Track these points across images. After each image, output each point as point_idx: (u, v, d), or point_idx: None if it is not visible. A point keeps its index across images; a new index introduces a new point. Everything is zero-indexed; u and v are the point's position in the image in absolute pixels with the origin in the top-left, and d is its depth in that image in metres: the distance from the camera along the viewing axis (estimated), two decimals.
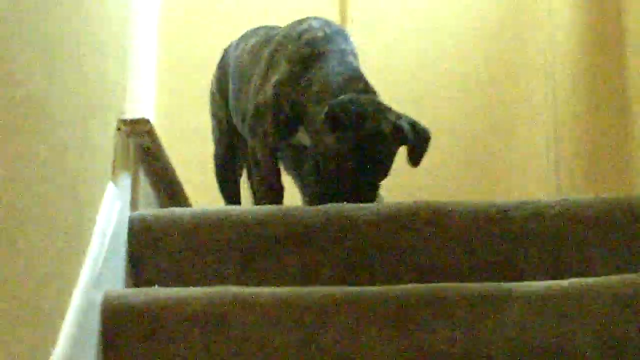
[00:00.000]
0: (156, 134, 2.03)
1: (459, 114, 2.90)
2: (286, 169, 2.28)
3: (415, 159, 1.94)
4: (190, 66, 2.91)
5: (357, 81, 1.93)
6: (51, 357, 1.41)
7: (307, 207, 1.93)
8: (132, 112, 2.32)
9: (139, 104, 2.62)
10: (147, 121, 1.95)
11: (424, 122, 2.00)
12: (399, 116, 1.95)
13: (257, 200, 2.16)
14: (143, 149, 2.11)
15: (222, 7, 3.04)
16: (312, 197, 2.08)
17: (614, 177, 2.43)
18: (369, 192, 1.95)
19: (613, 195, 2.04)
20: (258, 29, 2.27)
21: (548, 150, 2.82)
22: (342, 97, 1.88)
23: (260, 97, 2.02)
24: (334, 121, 1.87)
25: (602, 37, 2.62)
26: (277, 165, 2.14)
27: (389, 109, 1.96)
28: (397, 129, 1.92)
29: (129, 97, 2.32)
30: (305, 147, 2.09)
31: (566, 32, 2.87)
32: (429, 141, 2.00)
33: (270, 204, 2.06)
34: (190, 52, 3.01)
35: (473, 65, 2.90)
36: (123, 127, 1.92)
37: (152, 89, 2.99)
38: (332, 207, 1.89)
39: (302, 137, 2.02)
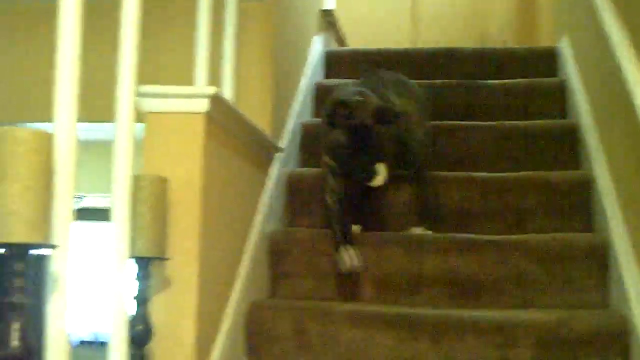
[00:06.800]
0: None
1: None
2: None
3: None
4: None
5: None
6: (243, 255, 2.31)
7: None
8: None
9: None
10: None
11: None
12: (379, 105, 2.19)
13: None
14: None
15: None
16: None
17: None
18: (369, 168, 2.13)
19: None
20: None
21: None
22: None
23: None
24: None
25: None
26: None
27: (368, 103, 2.19)
28: (379, 111, 2.17)
29: None
30: None
31: None
32: (399, 115, 2.27)
33: None
34: None
35: None
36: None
37: None
38: None
39: None
